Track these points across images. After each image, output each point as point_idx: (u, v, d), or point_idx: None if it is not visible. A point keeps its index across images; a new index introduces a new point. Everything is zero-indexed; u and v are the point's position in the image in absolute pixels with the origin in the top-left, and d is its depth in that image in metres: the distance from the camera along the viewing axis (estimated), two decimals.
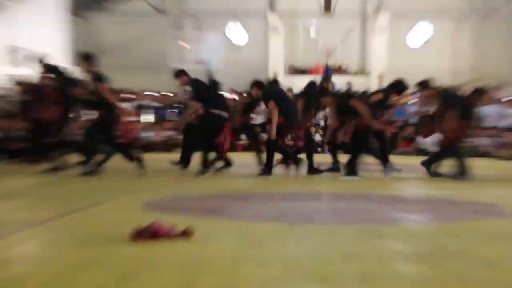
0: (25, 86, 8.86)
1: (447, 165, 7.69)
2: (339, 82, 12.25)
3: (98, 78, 6.78)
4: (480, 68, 17.91)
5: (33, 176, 7.37)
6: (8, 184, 6.74)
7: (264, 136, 7.70)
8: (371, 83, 16.43)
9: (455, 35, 19.26)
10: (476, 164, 8.39)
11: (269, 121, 7.41)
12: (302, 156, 7.54)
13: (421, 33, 18.74)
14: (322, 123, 12.47)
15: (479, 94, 7.51)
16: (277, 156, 7.48)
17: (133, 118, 10.78)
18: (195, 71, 8.90)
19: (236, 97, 11.02)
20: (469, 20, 18.88)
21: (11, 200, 5.13)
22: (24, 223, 3.85)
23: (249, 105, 8.30)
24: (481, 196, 6.49)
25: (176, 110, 13.16)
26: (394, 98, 7.87)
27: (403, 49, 18.76)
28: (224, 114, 7.27)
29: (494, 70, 16.85)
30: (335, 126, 7.59)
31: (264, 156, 7.48)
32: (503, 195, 6.53)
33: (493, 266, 3.05)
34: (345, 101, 7.51)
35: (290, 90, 9.87)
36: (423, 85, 7.52)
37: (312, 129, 9.12)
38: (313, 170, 7.39)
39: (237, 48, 19.62)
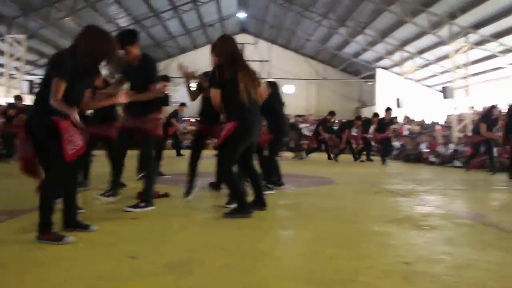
0: None
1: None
2: None
3: None
4: (320, 106, 32.48)
5: None
6: None
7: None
8: None
9: (306, 89, 33.52)
10: (316, 155, 17.11)
11: None
12: None
13: (289, 88, 32.73)
14: None
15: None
16: None
17: None
18: None
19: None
20: (315, 81, 33.11)
21: None
22: None
23: None
24: (319, 172, 10.66)
25: None
26: None
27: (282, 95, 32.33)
28: None
29: (327, 108, 31.42)
30: None
31: None
32: (330, 172, 10.78)
33: (327, 212, 5.15)
34: None
35: None
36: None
37: None
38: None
39: None
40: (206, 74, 5.76)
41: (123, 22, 24.19)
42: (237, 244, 3.66)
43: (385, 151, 15.12)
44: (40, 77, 24.34)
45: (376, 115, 16.35)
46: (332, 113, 16.88)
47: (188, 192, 5.86)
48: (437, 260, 3.23)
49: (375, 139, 15.67)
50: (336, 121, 22.25)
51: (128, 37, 5.07)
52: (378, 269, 2.99)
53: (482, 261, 3.26)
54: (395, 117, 17.60)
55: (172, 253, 3.32)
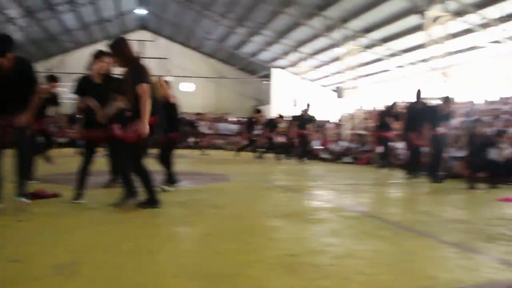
0: None
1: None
2: None
3: None
4: (219, 104, 32.69)
5: None
6: None
7: None
8: None
9: (205, 87, 33.57)
10: (214, 153, 19.25)
11: None
12: None
13: (188, 86, 32.64)
14: None
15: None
16: None
17: None
18: None
19: None
20: (213, 79, 33.28)
21: None
22: None
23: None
24: (215, 170, 10.98)
25: None
26: None
27: (181, 93, 32.14)
28: None
29: (225, 106, 31.72)
30: None
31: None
32: (226, 170, 11.04)
33: (219, 208, 5.96)
34: None
35: None
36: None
37: None
38: None
39: None
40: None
41: (14, 13, 22.69)
42: (128, 243, 3.60)
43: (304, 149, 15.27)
44: None
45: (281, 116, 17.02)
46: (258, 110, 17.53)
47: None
48: (321, 251, 3.38)
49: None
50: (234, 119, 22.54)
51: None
52: (265, 262, 3.08)
53: (361, 250, 3.46)
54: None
55: (61, 254, 3.20)
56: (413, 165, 9.63)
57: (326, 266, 3.00)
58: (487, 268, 3.08)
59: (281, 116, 17.36)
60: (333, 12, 19.81)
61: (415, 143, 9.44)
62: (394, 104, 12.63)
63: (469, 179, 8.04)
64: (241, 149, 16.95)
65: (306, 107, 15.24)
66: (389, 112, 12.28)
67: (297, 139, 15.42)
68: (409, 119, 9.82)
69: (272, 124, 16.77)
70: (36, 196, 5.42)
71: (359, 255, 3.30)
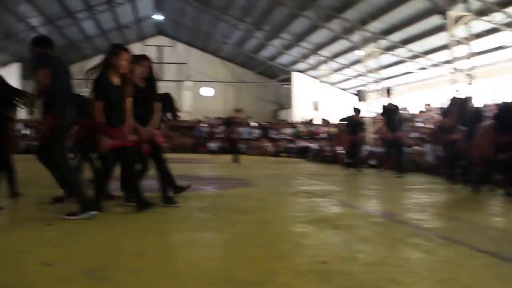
0: None
1: None
2: None
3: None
4: (238, 108, 32.59)
5: None
6: None
7: None
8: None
9: (225, 91, 33.63)
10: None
11: None
12: None
13: (208, 91, 32.71)
14: None
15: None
16: None
17: None
18: None
19: None
20: (232, 83, 33.32)
21: None
22: None
23: None
24: (238, 174, 10.65)
25: None
26: None
27: (201, 98, 32.28)
28: None
29: (245, 109, 31.65)
30: None
31: None
32: (249, 174, 10.71)
33: (244, 213, 5.05)
34: None
35: None
36: None
37: None
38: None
39: None
40: None
41: (35, 21, 23.08)
42: (154, 248, 3.56)
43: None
44: None
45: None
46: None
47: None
48: (352, 258, 3.28)
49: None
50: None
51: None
52: (295, 269, 2.99)
53: (393, 257, 3.35)
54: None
55: (90, 259, 3.18)
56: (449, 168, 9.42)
57: (358, 274, 2.90)
58: None
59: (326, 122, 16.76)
60: (352, 14, 19.69)
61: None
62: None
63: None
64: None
65: (356, 110, 13.54)
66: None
67: (349, 147, 13.40)
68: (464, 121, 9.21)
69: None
70: (61, 200, 5.42)
71: (392, 263, 3.19)
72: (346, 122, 13.57)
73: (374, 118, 20.94)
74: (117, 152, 5.03)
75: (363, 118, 14.09)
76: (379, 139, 14.00)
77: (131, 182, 5.24)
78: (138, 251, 3.43)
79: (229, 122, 16.72)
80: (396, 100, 11.11)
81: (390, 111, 11.34)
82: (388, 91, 10.70)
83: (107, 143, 4.90)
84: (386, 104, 11.26)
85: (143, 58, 5.65)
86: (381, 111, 12.56)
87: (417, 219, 5.09)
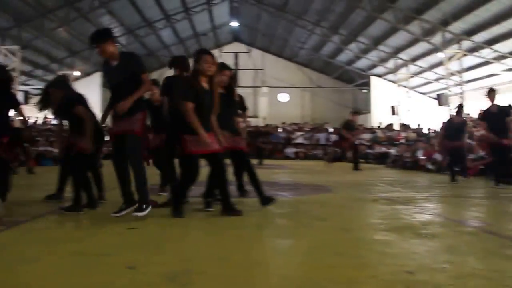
0: None
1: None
2: None
3: None
4: (314, 114, 32.54)
5: None
6: None
7: None
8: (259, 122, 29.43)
9: (300, 97, 33.58)
10: (313, 164, 18.98)
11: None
12: None
13: (283, 96, 32.77)
14: None
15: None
16: None
17: None
18: None
19: None
20: (309, 89, 33.19)
21: None
22: None
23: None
24: (319, 181, 10.31)
25: None
26: None
27: (277, 103, 32.37)
28: None
29: (322, 116, 31.47)
30: None
31: None
32: (327, 180, 10.47)
33: (324, 220, 5.09)
34: None
35: None
36: None
37: None
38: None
39: None
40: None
41: (116, 32, 24.18)
42: (235, 254, 3.56)
43: None
44: (35, 87, 24.83)
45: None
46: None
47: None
48: (440, 269, 3.13)
49: None
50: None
51: (99, 35, 5.03)
52: (380, 278, 2.90)
53: (484, 270, 3.16)
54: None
55: (171, 263, 3.23)
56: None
57: (448, 286, 2.76)
58: None
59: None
60: (432, 15, 19.08)
61: None
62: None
63: None
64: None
65: (457, 110, 11.62)
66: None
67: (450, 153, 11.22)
68: None
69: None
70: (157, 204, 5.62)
71: (483, 275, 3.00)
72: (446, 126, 11.53)
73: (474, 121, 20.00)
74: (208, 158, 5.19)
75: (466, 120, 12.20)
76: (482, 145, 12.85)
77: (221, 188, 5.30)
78: (220, 257, 3.46)
79: (349, 127, 15.42)
80: (491, 102, 9.90)
81: (495, 114, 9.82)
82: (491, 93, 9.41)
83: (192, 149, 5.01)
84: (489, 107, 10.00)
85: (224, 67, 5.82)
86: (482, 114, 11.08)
87: (510, 229, 4.82)
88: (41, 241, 3.97)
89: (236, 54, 29.82)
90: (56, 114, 6.18)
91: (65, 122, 6.08)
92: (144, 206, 4.94)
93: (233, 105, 6.17)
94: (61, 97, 5.80)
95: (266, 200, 5.79)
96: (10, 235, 4.27)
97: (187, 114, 4.94)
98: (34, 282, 2.79)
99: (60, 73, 20.03)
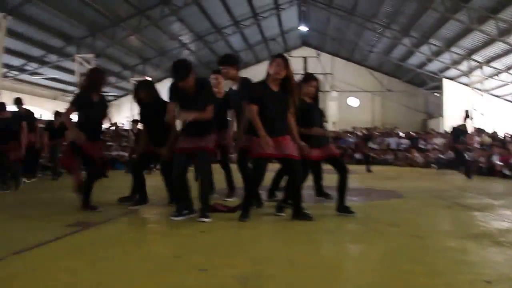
0: None
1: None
2: None
3: None
4: (385, 118, 31.92)
5: None
6: None
7: None
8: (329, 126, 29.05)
9: (372, 101, 33.03)
10: (384, 169, 18.70)
11: None
12: None
13: (353, 101, 32.32)
14: None
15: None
16: None
17: None
18: None
19: None
20: (379, 93, 32.62)
21: None
22: None
23: None
24: (386, 185, 10.42)
25: None
26: None
27: (347, 107, 31.99)
28: None
29: (392, 120, 30.82)
30: None
31: None
32: (399, 186, 10.39)
33: (397, 226, 5.01)
34: None
35: None
36: None
37: None
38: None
39: None
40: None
41: (186, 38, 24.83)
42: (306, 259, 3.59)
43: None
44: (108, 94, 25.88)
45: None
46: None
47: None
48: None
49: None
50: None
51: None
52: (456, 287, 2.84)
53: None
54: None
55: (241, 266, 3.29)
56: None
57: None
58: None
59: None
60: (509, 13, 18.22)
61: None
62: None
63: None
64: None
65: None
66: None
67: None
68: None
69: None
70: (214, 209, 5.68)
71: None
72: None
73: None
74: (281, 162, 5.36)
75: None
76: None
77: (294, 193, 5.33)
78: (290, 260, 3.49)
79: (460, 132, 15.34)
80: None
81: None
82: None
83: (258, 152, 5.08)
84: None
85: (312, 78, 6.04)
86: None
87: None
88: (115, 242, 4.15)
89: (305, 58, 29.68)
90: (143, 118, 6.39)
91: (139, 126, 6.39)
92: (207, 213, 5.18)
93: (322, 115, 6.43)
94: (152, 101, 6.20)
95: (343, 209, 5.74)
96: (87, 235, 4.48)
97: (250, 116, 5.06)
98: (108, 282, 2.92)
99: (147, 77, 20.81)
